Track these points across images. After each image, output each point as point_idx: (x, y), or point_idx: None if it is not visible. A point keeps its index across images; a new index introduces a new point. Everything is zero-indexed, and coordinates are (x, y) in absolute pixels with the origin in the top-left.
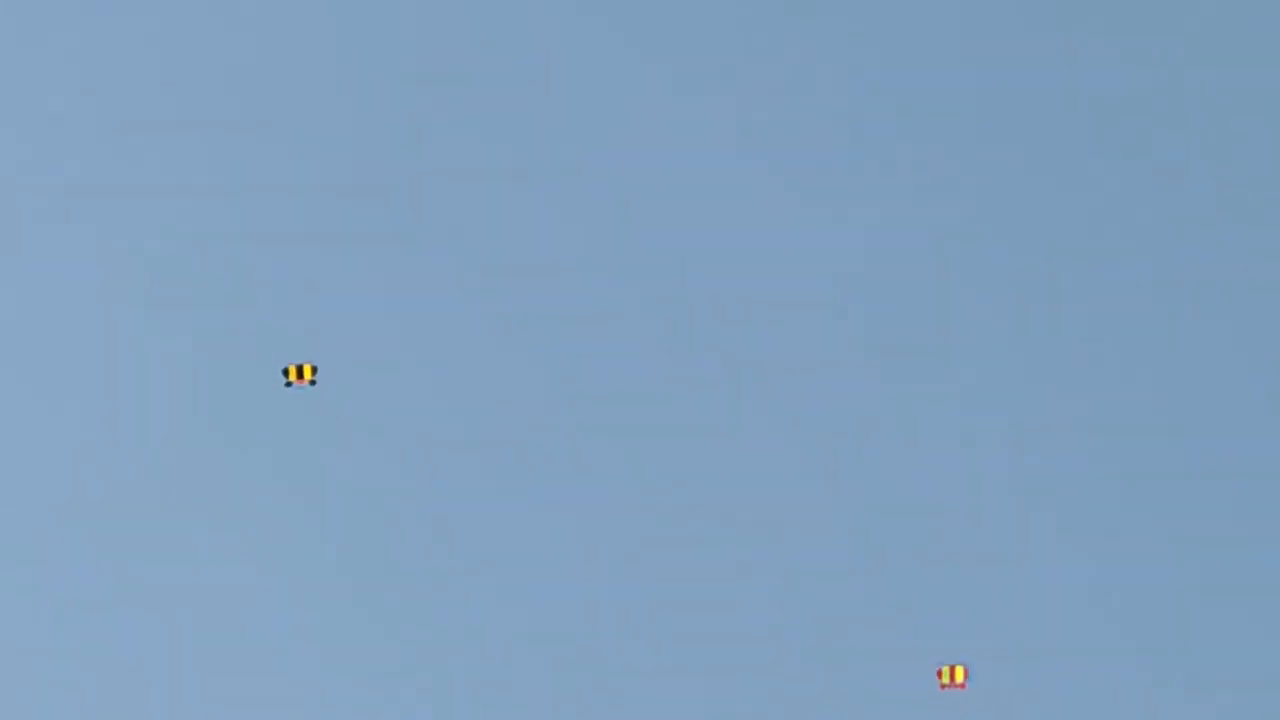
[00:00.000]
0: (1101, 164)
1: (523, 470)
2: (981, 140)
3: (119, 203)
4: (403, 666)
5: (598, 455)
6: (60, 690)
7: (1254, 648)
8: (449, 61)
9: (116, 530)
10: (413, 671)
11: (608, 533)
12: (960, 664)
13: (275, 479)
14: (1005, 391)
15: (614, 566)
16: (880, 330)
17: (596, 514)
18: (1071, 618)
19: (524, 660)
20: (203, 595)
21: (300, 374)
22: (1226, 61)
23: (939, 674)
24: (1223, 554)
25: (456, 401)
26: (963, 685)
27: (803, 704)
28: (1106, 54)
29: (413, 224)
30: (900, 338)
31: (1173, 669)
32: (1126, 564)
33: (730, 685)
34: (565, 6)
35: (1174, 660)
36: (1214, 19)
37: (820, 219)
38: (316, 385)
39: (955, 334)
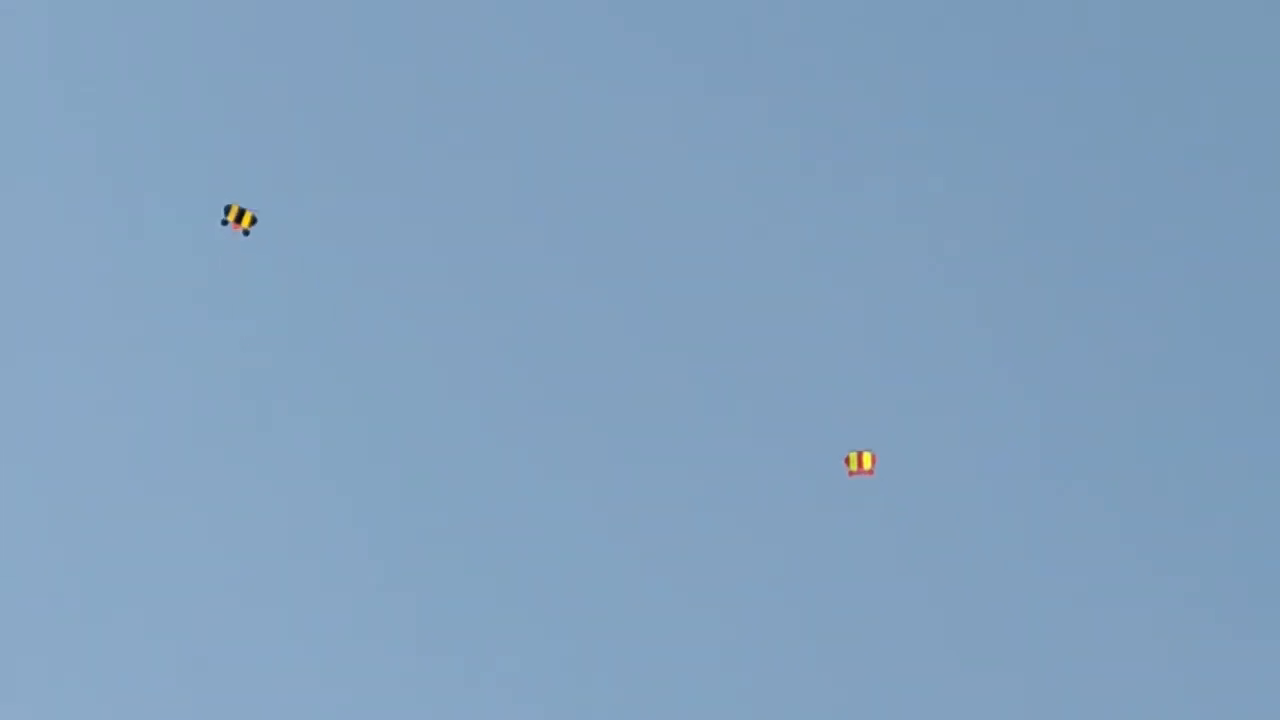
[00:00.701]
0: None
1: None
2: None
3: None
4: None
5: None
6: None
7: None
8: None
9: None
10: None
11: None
12: (868, 450)
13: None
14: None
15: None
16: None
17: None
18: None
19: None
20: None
21: (240, 218)
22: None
23: (846, 461)
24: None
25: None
26: (870, 472)
27: None
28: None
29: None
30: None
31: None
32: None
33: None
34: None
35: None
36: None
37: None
38: (249, 235)
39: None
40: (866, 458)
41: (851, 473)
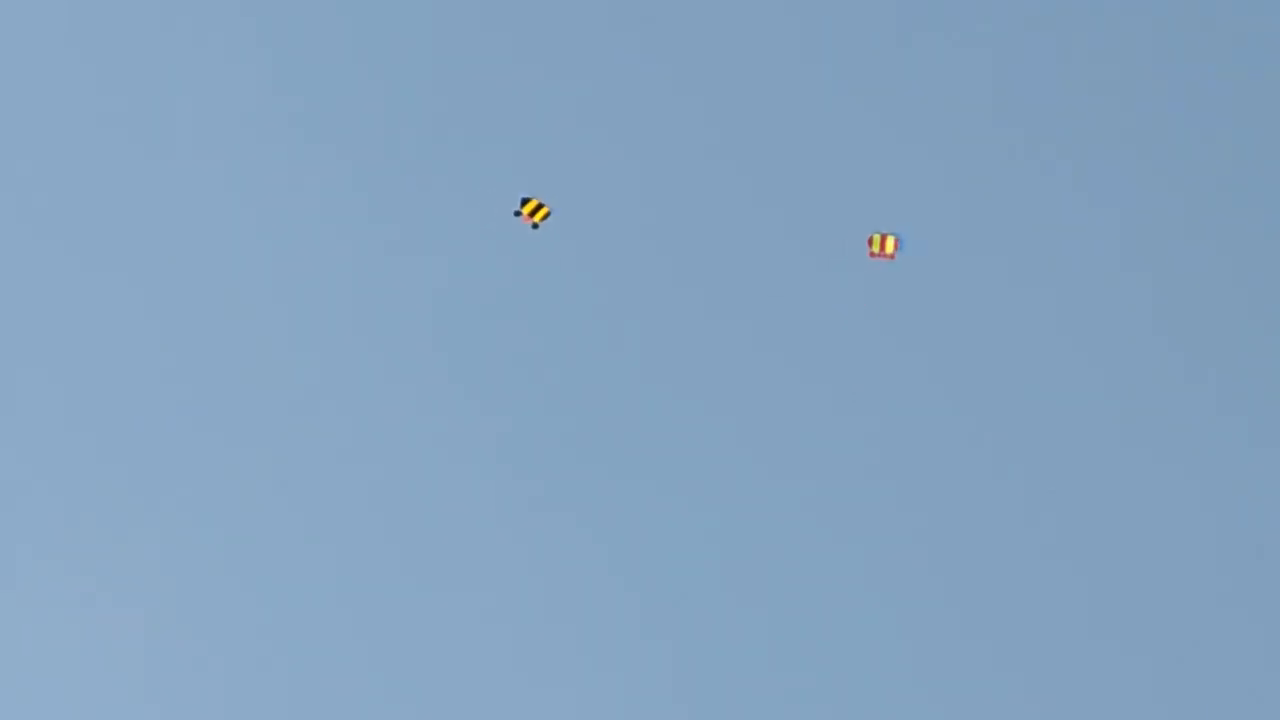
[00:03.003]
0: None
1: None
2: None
3: None
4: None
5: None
6: None
7: None
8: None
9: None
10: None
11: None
12: (891, 234)
13: None
14: None
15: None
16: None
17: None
18: None
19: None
20: None
21: (534, 212)
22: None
23: (869, 242)
24: None
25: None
26: (892, 256)
27: None
28: None
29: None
30: None
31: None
32: None
33: None
34: None
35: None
36: None
37: None
38: (537, 229)
39: None
40: (890, 241)
41: (873, 254)
